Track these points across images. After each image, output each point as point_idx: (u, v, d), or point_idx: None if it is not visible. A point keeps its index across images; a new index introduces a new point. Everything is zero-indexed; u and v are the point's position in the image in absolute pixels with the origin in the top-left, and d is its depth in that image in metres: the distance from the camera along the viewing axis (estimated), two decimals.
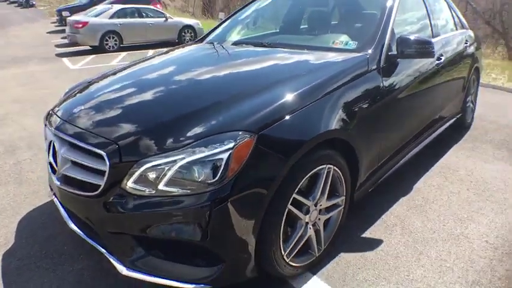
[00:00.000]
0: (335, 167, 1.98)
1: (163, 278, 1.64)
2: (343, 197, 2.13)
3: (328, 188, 1.98)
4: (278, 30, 3.29)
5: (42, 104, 5.68)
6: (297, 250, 1.92)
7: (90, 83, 2.53)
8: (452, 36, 3.66)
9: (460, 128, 4.30)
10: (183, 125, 1.69)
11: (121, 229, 1.68)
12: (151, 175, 1.57)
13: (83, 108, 2.05)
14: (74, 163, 1.84)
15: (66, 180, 1.87)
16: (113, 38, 11.16)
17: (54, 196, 2.20)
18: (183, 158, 1.54)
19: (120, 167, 1.62)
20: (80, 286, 1.99)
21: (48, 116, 2.21)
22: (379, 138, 2.35)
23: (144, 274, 1.66)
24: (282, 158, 1.66)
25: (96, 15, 11.46)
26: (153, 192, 1.58)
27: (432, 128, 3.30)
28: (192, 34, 12.83)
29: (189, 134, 1.64)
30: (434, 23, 3.33)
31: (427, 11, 3.28)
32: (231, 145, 1.55)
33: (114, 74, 2.63)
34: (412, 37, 2.39)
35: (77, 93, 2.38)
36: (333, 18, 3.13)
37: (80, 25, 10.79)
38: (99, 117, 1.94)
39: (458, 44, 3.72)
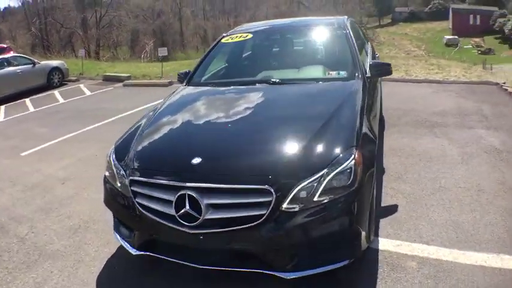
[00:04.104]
0: None
1: (321, 267, 2.33)
2: None
3: None
4: (266, 68, 3.98)
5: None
6: None
7: (166, 133, 2.99)
8: (369, 53, 5.14)
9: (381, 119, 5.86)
10: (308, 155, 2.40)
11: (282, 243, 2.29)
12: (302, 194, 2.25)
13: (201, 159, 2.45)
14: (222, 205, 2.30)
15: (213, 223, 2.29)
16: None
17: (161, 255, 2.56)
18: (328, 174, 2.30)
19: (281, 194, 2.23)
20: None
21: (155, 176, 2.52)
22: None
23: (306, 270, 2.31)
24: (373, 158, 2.64)
25: None
26: (303, 206, 2.24)
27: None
28: (60, 76, 12.83)
29: (320, 159, 2.37)
30: (366, 49, 4.74)
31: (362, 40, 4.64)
32: (352, 157, 2.36)
33: (174, 123, 3.12)
34: (378, 62, 3.64)
35: (166, 146, 2.86)
36: (308, 55, 4.16)
37: None
38: (227, 159, 2.52)
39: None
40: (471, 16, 42.26)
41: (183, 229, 2.34)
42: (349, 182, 2.33)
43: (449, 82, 8.64)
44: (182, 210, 2.32)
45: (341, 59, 3.78)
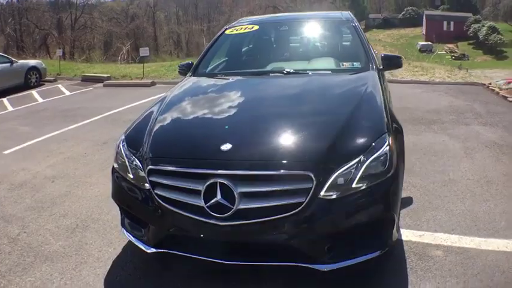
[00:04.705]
0: None
1: (356, 258, 2.21)
2: None
3: None
4: (275, 60, 3.86)
5: None
6: None
7: (186, 119, 2.81)
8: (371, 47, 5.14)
9: None
10: (343, 141, 2.29)
11: (320, 233, 2.17)
12: (340, 181, 2.13)
13: (231, 145, 2.27)
14: (257, 194, 2.14)
15: (246, 213, 2.12)
16: None
17: (183, 253, 2.35)
18: (365, 160, 2.18)
19: (320, 181, 2.11)
20: None
21: (186, 162, 2.32)
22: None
23: (343, 261, 2.19)
24: (402, 145, 2.58)
25: None
26: (340, 193, 2.12)
27: None
28: (37, 76, 12.45)
29: (355, 145, 2.28)
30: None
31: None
32: (386, 143, 2.27)
33: (193, 110, 2.96)
34: (389, 54, 3.63)
35: (188, 132, 2.66)
36: (318, 47, 4.09)
37: None
38: (261, 145, 2.34)
39: None
40: (445, 22, 43.62)
41: (212, 221, 2.16)
42: (385, 168, 2.25)
43: (436, 83, 8.82)
44: (212, 201, 2.15)
45: (353, 51, 3.75)
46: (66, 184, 4.41)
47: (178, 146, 2.51)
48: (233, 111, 2.83)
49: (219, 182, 2.13)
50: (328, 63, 3.65)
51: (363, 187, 2.19)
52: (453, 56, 34.65)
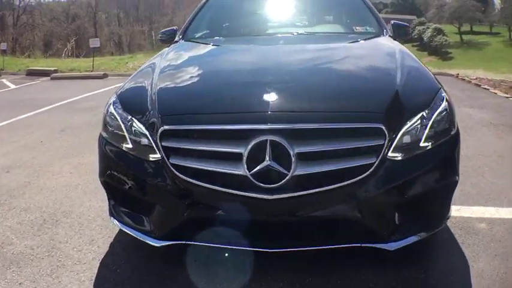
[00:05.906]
0: None
1: (422, 232, 1.86)
2: None
3: None
4: (276, 26, 3.50)
5: None
6: None
7: (205, 69, 2.37)
8: None
9: None
10: (405, 95, 1.90)
11: (387, 204, 1.78)
12: (406, 139, 1.76)
13: (278, 95, 1.83)
14: (317, 155, 1.70)
15: (303, 182, 1.68)
16: None
17: (206, 243, 1.86)
18: (430, 116, 1.83)
19: (392, 137, 1.72)
20: None
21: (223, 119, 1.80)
22: None
23: (406, 239, 1.80)
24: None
25: None
26: (406, 153, 1.76)
27: None
28: None
29: (417, 99, 1.93)
30: None
31: None
32: (444, 99, 1.96)
33: (210, 60, 2.59)
34: (399, 22, 3.36)
35: (214, 80, 2.18)
36: (322, 12, 3.76)
37: None
38: (318, 93, 1.94)
39: None
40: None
41: (258, 195, 1.66)
42: (448, 125, 1.92)
43: None
44: (259, 167, 1.63)
45: (363, 16, 3.44)
46: (24, 174, 3.73)
47: (203, 98, 1.96)
48: (264, 61, 2.37)
49: (270, 141, 1.64)
50: (337, 27, 3.39)
51: (429, 147, 1.83)
52: None
